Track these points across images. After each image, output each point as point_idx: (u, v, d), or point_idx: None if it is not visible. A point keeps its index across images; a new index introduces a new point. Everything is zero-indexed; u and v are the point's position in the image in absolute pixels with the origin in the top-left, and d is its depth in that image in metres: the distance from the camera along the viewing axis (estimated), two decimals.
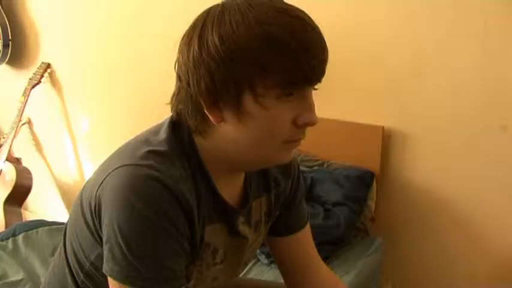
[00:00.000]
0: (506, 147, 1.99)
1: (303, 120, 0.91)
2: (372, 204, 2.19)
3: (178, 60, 0.94)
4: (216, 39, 0.85)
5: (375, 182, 2.18)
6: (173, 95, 0.98)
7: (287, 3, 0.90)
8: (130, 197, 0.86)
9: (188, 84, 0.90)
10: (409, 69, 2.12)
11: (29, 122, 3.57)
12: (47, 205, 3.72)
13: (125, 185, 0.88)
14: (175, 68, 0.95)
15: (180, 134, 0.97)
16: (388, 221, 2.32)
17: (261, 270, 1.92)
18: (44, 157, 3.64)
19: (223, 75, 0.86)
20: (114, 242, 0.87)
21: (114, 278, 0.88)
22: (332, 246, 1.96)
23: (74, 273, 1.06)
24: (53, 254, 1.96)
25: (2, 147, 3.31)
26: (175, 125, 0.99)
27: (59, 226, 2.19)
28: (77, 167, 3.47)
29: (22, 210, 3.34)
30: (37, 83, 3.21)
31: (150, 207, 0.86)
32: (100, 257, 0.93)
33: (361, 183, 2.13)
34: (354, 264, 1.96)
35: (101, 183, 0.92)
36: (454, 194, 2.15)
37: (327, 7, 2.17)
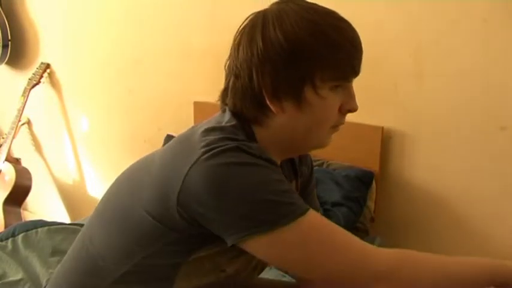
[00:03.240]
0: (505, 148, 1.99)
1: (348, 107, 1.05)
2: (371, 204, 2.19)
3: (234, 58, 1.03)
4: (281, 37, 0.96)
5: (374, 182, 2.18)
6: (224, 90, 1.07)
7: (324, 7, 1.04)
8: (235, 163, 0.91)
9: (250, 79, 1.00)
10: (408, 69, 2.12)
11: (29, 122, 3.58)
12: (46, 205, 3.72)
13: (219, 162, 0.91)
14: (225, 66, 1.07)
15: (243, 124, 1.04)
16: (387, 221, 2.32)
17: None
18: (43, 157, 3.64)
19: (288, 69, 0.97)
20: (234, 211, 0.90)
21: (259, 234, 0.90)
22: None
23: (112, 270, 1.07)
24: (52, 254, 1.96)
25: (1, 148, 3.31)
26: (236, 116, 1.05)
27: (59, 226, 2.19)
28: (76, 167, 3.47)
29: (21, 211, 3.35)
30: (36, 83, 3.21)
31: (252, 161, 0.93)
32: (158, 250, 0.98)
33: (361, 184, 2.13)
34: None
35: (184, 179, 0.93)
36: (453, 194, 2.15)
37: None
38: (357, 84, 2.19)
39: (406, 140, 2.19)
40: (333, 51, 0.97)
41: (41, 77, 3.23)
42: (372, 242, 2.10)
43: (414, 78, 2.12)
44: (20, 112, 3.23)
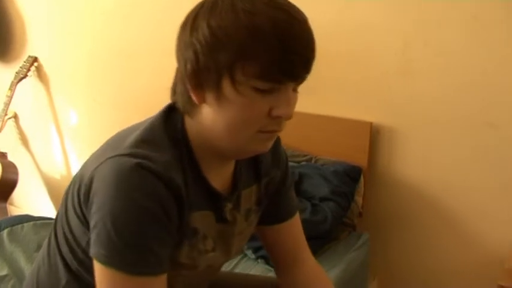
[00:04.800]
0: (493, 144, 2.00)
1: (277, 113, 0.93)
2: (359, 199, 2.19)
3: (176, 43, 0.98)
4: (205, 25, 0.89)
5: (362, 177, 2.19)
6: (174, 78, 1.02)
7: None
8: (121, 185, 0.88)
9: (180, 65, 0.96)
10: (397, 65, 2.12)
11: (15, 116, 3.55)
12: (32, 200, 3.70)
13: (115, 174, 0.89)
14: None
15: (173, 120, 1.01)
16: (375, 217, 2.33)
17: (248, 265, 1.91)
18: (30, 152, 3.61)
19: (207, 58, 0.90)
20: (102, 227, 0.88)
21: (100, 261, 0.89)
22: (319, 241, 1.96)
23: (68, 261, 1.06)
24: (38, 250, 1.94)
25: None
26: (171, 110, 1.02)
27: (45, 221, 2.17)
28: (63, 162, 3.45)
29: (7, 205, 3.32)
30: (24, 77, 3.18)
31: (141, 193, 0.88)
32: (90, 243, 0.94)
33: (349, 179, 2.13)
34: (340, 259, 1.97)
35: (92, 172, 0.94)
36: (441, 190, 2.16)
37: (315, 2, 2.16)
38: (346, 80, 2.22)
39: (395, 136, 2.20)
40: (255, 44, 0.87)
41: (28, 70, 3.20)
42: (359, 238, 2.12)
43: (402, 74, 2.12)
44: (7, 106, 3.20)
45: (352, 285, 1.98)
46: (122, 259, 0.88)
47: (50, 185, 3.60)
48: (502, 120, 1.97)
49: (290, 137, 2.29)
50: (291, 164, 2.21)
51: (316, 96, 2.27)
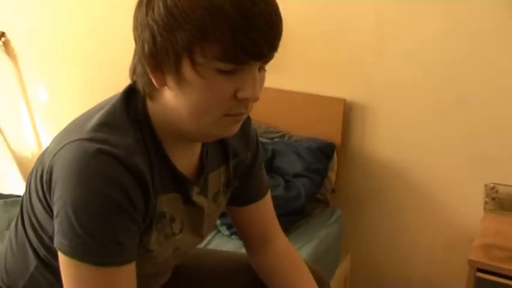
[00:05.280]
0: (464, 120, 2.02)
1: (243, 95, 0.88)
2: (332, 175, 2.21)
3: (133, 23, 0.92)
4: (161, 4, 0.84)
5: (335, 153, 2.20)
6: (132, 58, 0.97)
7: None
8: (81, 172, 0.85)
9: (137, 46, 0.91)
10: (370, 43, 2.12)
11: None
12: (3, 178, 3.63)
13: (76, 160, 0.86)
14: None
15: (134, 102, 0.96)
16: (348, 193, 2.35)
17: (222, 242, 1.92)
18: None
19: (164, 39, 0.85)
20: (64, 216, 0.85)
21: (64, 253, 0.87)
22: (292, 217, 1.97)
23: (35, 247, 1.04)
24: (8, 228, 1.91)
25: None
26: (131, 92, 0.98)
27: (15, 199, 2.14)
28: (34, 139, 3.40)
29: None
30: None
31: (103, 180, 0.85)
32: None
33: (322, 155, 2.14)
34: (313, 235, 1.98)
35: (53, 158, 0.90)
36: (413, 167, 2.18)
37: None
38: (319, 57, 2.21)
39: (368, 113, 2.21)
40: (215, 23, 0.81)
41: None
42: (332, 215, 2.14)
43: (376, 53, 2.12)
44: None
45: (325, 261, 2.00)
46: (85, 250, 0.85)
47: (21, 163, 3.54)
48: (472, 97, 1.99)
49: (263, 113, 2.29)
50: (264, 140, 2.23)
51: (290, 73, 2.27)
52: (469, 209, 2.08)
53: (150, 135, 0.96)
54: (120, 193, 0.86)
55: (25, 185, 1.06)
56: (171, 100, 0.91)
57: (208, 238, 1.92)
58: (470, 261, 1.60)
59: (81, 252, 0.85)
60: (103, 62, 2.90)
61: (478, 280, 1.58)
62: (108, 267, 0.87)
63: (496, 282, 1.56)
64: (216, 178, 1.13)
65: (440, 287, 2.25)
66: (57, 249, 0.88)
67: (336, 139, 2.21)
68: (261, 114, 2.29)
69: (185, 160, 1.03)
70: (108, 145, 0.87)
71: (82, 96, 3.03)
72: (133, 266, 0.92)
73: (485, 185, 1.90)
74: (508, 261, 1.57)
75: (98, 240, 0.85)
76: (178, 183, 1.02)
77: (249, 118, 1.18)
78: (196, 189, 1.06)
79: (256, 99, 0.90)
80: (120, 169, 0.86)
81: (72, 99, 3.12)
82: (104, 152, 0.86)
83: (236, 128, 0.97)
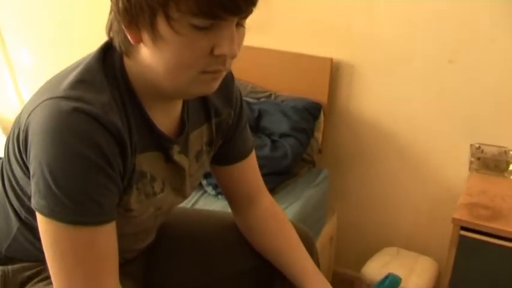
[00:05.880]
0: (452, 80, 2.01)
1: (220, 51, 0.86)
2: (319, 136, 2.20)
3: None
4: None
5: (322, 113, 2.19)
6: (109, 14, 0.94)
7: None
8: (56, 131, 0.83)
9: (112, 1, 0.88)
10: (358, 2, 2.09)
11: None
12: None
13: (50, 118, 0.84)
14: None
15: (111, 60, 0.94)
16: (334, 153, 2.35)
17: (208, 202, 1.92)
18: None
19: None
20: (40, 176, 0.84)
21: (41, 213, 0.86)
22: (279, 177, 1.97)
23: (16, 208, 1.03)
24: None
25: None
26: (107, 49, 0.95)
27: None
28: (18, 102, 3.35)
29: None
30: None
31: (79, 139, 0.83)
32: None
33: (309, 115, 2.13)
34: (300, 195, 1.99)
35: (28, 117, 0.88)
36: (399, 126, 2.18)
37: None
38: (307, 15, 2.18)
39: (355, 72, 2.19)
40: None
41: None
42: (318, 175, 2.14)
43: (364, 11, 2.10)
44: None
45: (311, 220, 2.01)
46: (62, 210, 0.84)
47: (5, 126, 3.50)
48: (460, 57, 1.98)
49: (250, 73, 2.27)
50: (250, 100, 2.22)
51: (277, 33, 2.23)
52: (455, 169, 2.10)
53: (128, 93, 0.94)
54: (96, 151, 0.84)
55: (4, 146, 1.04)
56: (148, 57, 0.89)
57: (194, 198, 1.92)
58: (455, 220, 1.61)
59: (58, 212, 0.84)
60: (89, 21, 2.84)
61: (462, 238, 1.60)
62: (87, 226, 0.86)
63: (479, 240, 1.57)
64: (198, 137, 1.12)
65: (425, 245, 2.28)
66: (34, 209, 0.87)
67: (323, 99, 2.19)
68: (247, 74, 2.27)
69: (165, 118, 1.02)
70: (84, 103, 0.85)
71: (69, 60, 2.98)
72: (113, 226, 0.91)
73: (471, 145, 1.91)
74: (491, 220, 1.58)
75: (74, 199, 0.84)
76: (158, 141, 1.00)
77: (232, 76, 1.16)
78: (177, 148, 1.05)
79: (234, 56, 0.89)
80: (96, 127, 0.85)
81: (59, 63, 3.06)
82: (79, 110, 0.84)
83: (215, 86, 0.95)
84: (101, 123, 0.85)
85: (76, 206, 0.84)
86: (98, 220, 0.87)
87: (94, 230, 0.87)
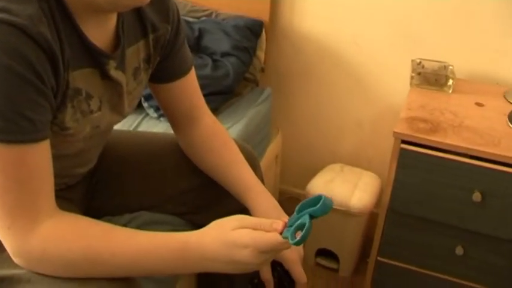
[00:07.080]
0: None
1: None
2: (261, 54, 2.17)
3: None
4: None
5: (264, 31, 2.15)
6: None
7: None
8: None
9: None
10: None
11: None
12: None
13: None
14: None
15: None
16: (277, 71, 2.33)
17: (151, 125, 1.88)
18: None
19: None
20: None
21: None
22: (221, 97, 1.95)
23: None
24: None
25: None
26: None
27: None
28: None
29: None
30: None
31: (5, 53, 0.78)
32: None
33: (250, 33, 2.08)
34: (243, 114, 1.97)
35: None
36: (343, 43, 2.17)
37: None
38: None
39: None
40: None
41: None
42: (261, 93, 2.13)
43: None
44: None
45: (256, 139, 2.01)
46: None
47: None
48: None
49: None
50: (190, 20, 2.15)
51: None
52: (397, 84, 2.12)
53: (57, 5, 0.88)
54: (25, 65, 0.80)
55: None
56: None
57: (136, 122, 1.88)
58: (396, 133, 1.64)
59: None
60: None
61: (402, 151, 1.63)
62: (18, 144, 0.83)
63: (419, 152, 1.61)
64: (135, 53, 1.08)
65: (368, 160, 2.33)
66: None
67: (264, 16, 2.14)
68: None
69: (99, 33, 0.97)
70: (8, 14, 0.79)
71: None
72: (46, 144, 0.88)
73: (412, 60, 1.92)
74: (430, 133, 1.62)
75: (4, 116, 0.80)
76: (93, 57, 0.96)
77: None
78: (113, 63, 1.01)
79: None
80: (22, 39, 0.80)
81: None
82: (3, 21, 0.79)
83: None
84: (29, 35, 0.80)
85: (6, 123, 0.80)
86: (29, 138, 0.84)
87: (26, 148, 0.84)
